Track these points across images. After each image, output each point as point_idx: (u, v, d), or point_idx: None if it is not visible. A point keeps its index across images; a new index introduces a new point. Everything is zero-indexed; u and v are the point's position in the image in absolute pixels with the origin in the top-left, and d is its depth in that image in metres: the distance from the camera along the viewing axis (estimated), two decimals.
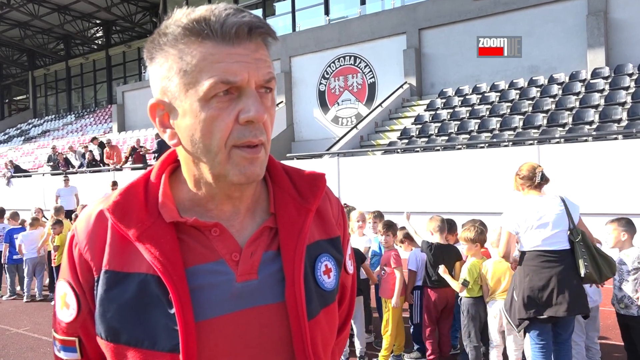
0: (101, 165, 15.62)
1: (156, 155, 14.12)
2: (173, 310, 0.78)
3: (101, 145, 16.22)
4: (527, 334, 3.54)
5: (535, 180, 3.52)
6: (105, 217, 0.85)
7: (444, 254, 4.39)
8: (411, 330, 4.69)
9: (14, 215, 8.47)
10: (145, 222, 0.83)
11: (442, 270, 4.20)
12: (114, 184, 11.84)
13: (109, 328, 0.81)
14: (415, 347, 4.60)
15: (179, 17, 0.78)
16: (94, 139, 17.15)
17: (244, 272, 0.84)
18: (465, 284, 4.05)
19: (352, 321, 3.49)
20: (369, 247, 5.03)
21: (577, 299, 3.38)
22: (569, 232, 3.40)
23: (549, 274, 3.36)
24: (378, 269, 4.89)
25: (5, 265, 7.87)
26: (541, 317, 3.38)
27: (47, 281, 8.16)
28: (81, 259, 0.85)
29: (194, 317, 0.78)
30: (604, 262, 3.42)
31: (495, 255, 4.08)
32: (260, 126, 0.79)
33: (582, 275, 3.34)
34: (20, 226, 8.30)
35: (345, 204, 5.82)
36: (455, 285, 4.14)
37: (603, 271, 3.40)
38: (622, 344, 4.05)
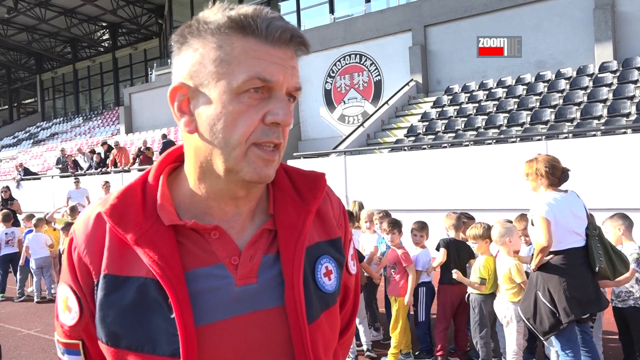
0: (108, 167, 15.72)
1: None
2: (173, 315, 0.77)
3: (108, 149, 16.32)
4: (555, 341, 3.40)
5: (563, 179, 3.43)
6: (104, 220, 0.84)
7: (458, 251, 4.41)
8: (417, 329, 4.66)
9: (29, 217, 8.47)
10: (143, 225, 0.82)
11: (455, 275, 4.19)
12: (106, 183, 11.85)
13: (109, 332, 0.81)
14: (420, 346, 4.56)
15: (223, 9, 0.79)
16: (103, 144, 17.23)
17: (243, 276, 0.83)
18: (483, 282, 4.03)
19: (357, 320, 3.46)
20: (378, 247, 5.03)
21: (602, 294, 3.38)
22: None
23: (585, 271, 3.29)
24: (378, 274, 4.91)
25: (19, 267, 7.94)
26: (584, 316, 3.31)
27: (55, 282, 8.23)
28: (80, 263, 0.85)
29: (194, 321, 0.78)
30: (617, 258, 3.36)
31: (502, 252, 4.07)
32: (281, 130, 0.80)
33: (596, 270, 3.27)
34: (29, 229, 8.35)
35: (355, 201, 5.81)
36: (472, 284, 4.12)
37: (617, 267, 3.33)
38: (615, 337, 4.14)
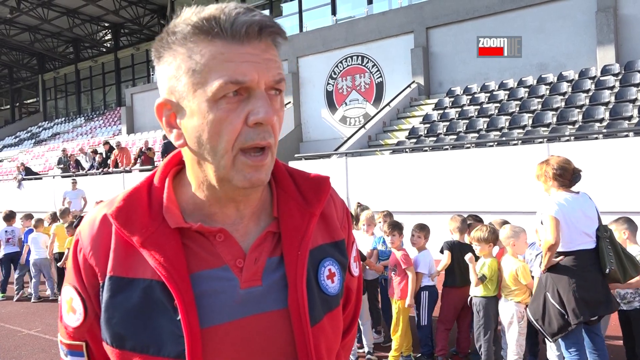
0: (110, 167, 15.74)
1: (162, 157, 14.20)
2: (179, 317, 0.77)
3: (110, 149, 16.34)
4: (561, 342, 3.40)
5: (574, 181, 3.41)
6: (110, 222, 0.85)
7: (462, 253, 4.40)
8: (418, 332, 4.64)
9: (28, 217, 8.49)
10: (149, 227, 0.82)
11: (468, 257, 4.14)
12: None
13: (114, 334, 0.81)
14: (421, 349, 4.55)
15: (188, 15, 0.77)
16: (105, 144, 17.23)
17: (248, 279, 0.83)
18: (482, 278, 4.02)
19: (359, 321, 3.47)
20: (376, 249, 5.01)
21: (612, 296, 3.36)
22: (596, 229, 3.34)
23: (594, 272, 3.27)
24: (380, 265, 4.90)
25: (19, 265, 7.94)
26: (593, 318, 3.30)
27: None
28: (86, 264, 0.85)
29: (200, 323, 0.78)
30: (628, 261, 3.34)
31: (508, 253, 4.06)
32: (268, 128, 0.78)
33: (606, 272, 3.25)
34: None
35: (358, 203, 5.80)
36: (473, 278, 4.10)
37: (628, 270, 3.31)
38: (616, 340, 4.13)
